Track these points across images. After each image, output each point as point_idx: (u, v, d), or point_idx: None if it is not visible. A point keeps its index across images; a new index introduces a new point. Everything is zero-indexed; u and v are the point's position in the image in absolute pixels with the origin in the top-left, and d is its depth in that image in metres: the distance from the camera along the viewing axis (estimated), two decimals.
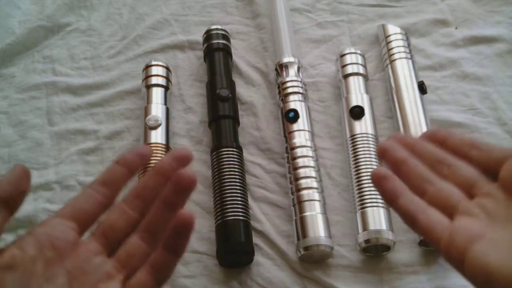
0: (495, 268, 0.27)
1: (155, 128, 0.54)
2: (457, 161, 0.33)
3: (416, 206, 0.32)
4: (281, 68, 0.59)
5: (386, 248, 0.48)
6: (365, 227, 0.47)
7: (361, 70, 0.58)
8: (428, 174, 0.33)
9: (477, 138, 0.35)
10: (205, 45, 0.62)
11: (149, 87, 0.58)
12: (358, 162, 0.51)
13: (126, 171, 0.35)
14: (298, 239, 0.48)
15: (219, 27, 0.63)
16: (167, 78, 0.59)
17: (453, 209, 0.31)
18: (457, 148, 0.34)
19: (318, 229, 0.47)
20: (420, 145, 0.35)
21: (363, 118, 0.54)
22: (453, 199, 0.32)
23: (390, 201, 0.33)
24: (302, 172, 0.50)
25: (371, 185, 0.49)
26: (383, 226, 0.47)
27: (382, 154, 0.35)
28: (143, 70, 0.60)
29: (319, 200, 0.49)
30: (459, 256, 0.29)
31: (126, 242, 0.33)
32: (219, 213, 0.49)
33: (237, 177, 0.51)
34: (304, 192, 0.49)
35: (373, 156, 0.51)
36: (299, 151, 0.52)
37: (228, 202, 0.49)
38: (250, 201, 0.52)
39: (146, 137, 0.54)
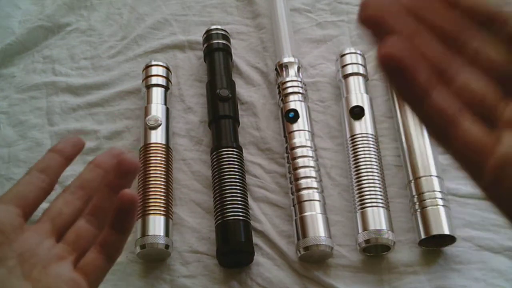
0: None
1: (155, 128, 0.54)
2: (485, 34, 0.23)
3: (452, 107, 0.23)
4: (281, 68, 0.59)
5: (386, 248, 0.48)
6: (365, 227, 0.47)
7: (361, 70, 0.58)
8: (450, 54, 0.23)
9: None
10: (205, 45, 0.62)
11: (149, 87, 0.58)
12: (358, 162, 0.51)
13: (62, 159, 0.36)
14: (298, 239, 0.48)
15: (219, 27, 0.63)
16: (167, 78, 0.59)
17: (491, 115, 0.23)
18: (480, 11, 0.23)
19: (318, 229, 0.47)
20: (426, 7, 0.24)
21: (363, 118, 0.54)
22: (489, 97, 0.23)
23: (418, 96, 0.22)
24: (302, 172, 0.50)
25: (371, 185, 0.49)
26: (383, 226, 0.47)
27: (374, 18, 0.23)
28: (143, 70, 0.60)
29: (319, 200, 0.49)
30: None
31: (74, 226, 0.34)
32: (219, 213, 0.49)
33: (237, 177, 0.51)
34: (304, 192, 0.49)
35: (373, 156, 0.51)
36: (299, 151, 0.52)
37: (228, 202, 0.49)
38: (250, 201, 0.52)
39: (146, 137, 0.54)
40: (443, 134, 0.23)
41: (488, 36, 0.23)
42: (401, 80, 0.22)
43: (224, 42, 0.61)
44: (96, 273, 0.33)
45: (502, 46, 0.23)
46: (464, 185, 0.51)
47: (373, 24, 0.23)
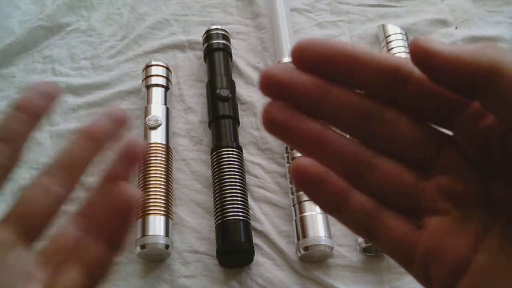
0: None
1: (155, 128, 0.54)
2: (389, 110, 0.22)
3: (371, 206, 0.23)
4: None
5: None
6: None
7: None
8: (358, 148, 0.23)
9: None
10: (205, 45, 0.62)
11: (149, 87, 0.58)
12: None
13: (26, 117, 0.27)
14: (298, 239, 0.48)
15: (219, 27, 0.63)
16: (167, 78, 0.59)
17: (412, 203, 0.22)
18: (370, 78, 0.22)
19: (318, 229, 0.47)
20: (324, 92, 0.22)
21: None
22: (405, 182, 0.22)
23: (336, 207, 0.23)
24: None
25: None
26: None
27: (277, 131, 0.22)
28: (143, 70, 0.60)
29: None
30: None
31: (60, 232, 0.26)
32: (219, 213, 0.49)
33: (237, 177, 0.51)
34: None
35: None
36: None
37: (228, 202, 0.49)
38: (250, 201, 0.52)
39: (146, 137, 0.54)
40: (368, 233, 0.23)
41: (391, 113, 0.22)
42: (315, 193, 0.22)
43: (224, 42, 0.61)
44: None
45: (404, 118, 0.22)
46: None
47: (278, 131, 0.22)
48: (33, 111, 0.27)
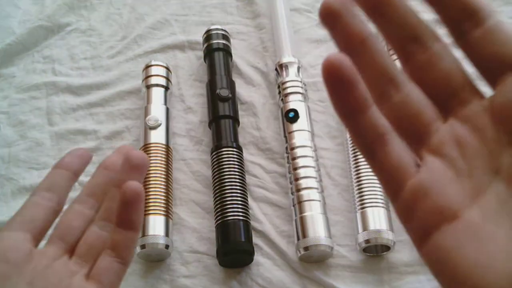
0: (467, 275, 0.19)
1: (155, 128, 0.54)
2: (438, 43, 0.23)
3: (383, 127, 0.22)
4: (281, 68, 0.59)
5: (386, 248, 0.48)
6: (365, 227, 0.47)
7: None
8: (394, 67, 0.23)
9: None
10: (205, 45, 0.62)
11: (149, 87, 0.58)
12: (358, 162, 0.51)
13: (69, 174, 0.35)
14: (298, 239, 0.48)
15: (219, 27, 0.63)
16: (167, 78, 0.59)
17: (422, 138, 0.22)
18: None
19: (318, 229, 0.47)
20: (387, 2, 0.23)
21: None
22: (424, 116, 0.22)
23: (352, 114, 0.22)
24: (302, 172, 0.50)
25: (371, 185, 0.49)
26: (383, 226, 0.47)
27: (328, 19, 0.23)
28: (143, 70, 0.60)
29: (319, 200, 0.49)
30: (419, 234, 0.21)
31: (85, 235, 0.33)
32: (219, 213, 0.49)
33: (237, 177, 0.51)
34: (304, 192, 0.49)
35: None
36: (299, 151, 0.52)
37: (228, 202, 0.49)
38: (250, 201, 0.52)
39: (146, 137, 0.54)
40: (368, 150, 0.23)
41: (440, 46, 0.23)
42: (341, 92, 0.22)
43: (224, 42, 0.61)
44: (110, 278, 0.31)
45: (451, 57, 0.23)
46: None
47: (330, 22, 0.23)
48: (72, 169, 0.35)
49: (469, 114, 0.22)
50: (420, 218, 0.21)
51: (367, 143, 0.23)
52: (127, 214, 0.31)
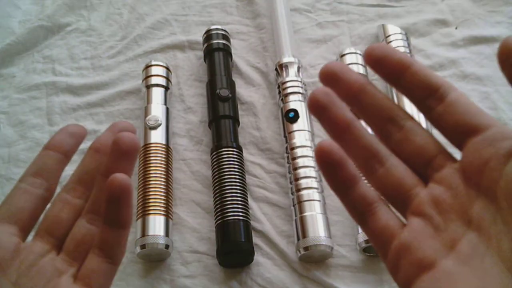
0: None
1: (155, 128, 0.54)
2: (411, 121, 0.27)
3: (371, 197, 0.26)
4: (281, 68, 0.59)
5: None
6: None
7: (361, 70, 0.58)
8: (377, 145, 0.27)
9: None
10: (205, 45, 0.62)
11: (149, 87, 0.58)
12: None
13: (60, 156, 0.31)
14: (298, 239, 0.48)
15: (219, 27, 0.63)
16: (167, 78, 0.59)
17: (406, 202, 0.26)
18: (412, 89, 0.26)
19: (318, 229, 0.47)
20: (364, 92, 0.27)
21: None
22: (405, 184, 0.26)
23: (343, 189, 0.26)
24: (302, 172, 0.50)
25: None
26: None
27: (317, 111, 0.26)
28: (143, 70, 0.60)
29: (319, 200, 0.49)
30: (404, 284, 0.24)
31: (73, 230, 0.30)
32: (219, 213, 0.49)
33: (237, 177, 0.51)
34: (304, 192, 0.49)
35: None
36: (299, 151, 0.52)
37: (228, 202, 0.49)
38: (250, 201, 0.52)
39: (146, 137, 0.54)
40: (360, 218, 0.26)
41: (413, 124, 0.27)
42: (333, 173, 0.26)
43: (224, 42, 0.61)
44: (99, 280, 0.29)
45: (424, 134, 0.26)
46: None
47: (318, 113, 0.26)
48: (62, 149, 0.32)
49: (443, 176, 0.25)
50: (404, 270, 0.24)
51: (359, 213, 0.26)
52: (115, 212, 0.28)
